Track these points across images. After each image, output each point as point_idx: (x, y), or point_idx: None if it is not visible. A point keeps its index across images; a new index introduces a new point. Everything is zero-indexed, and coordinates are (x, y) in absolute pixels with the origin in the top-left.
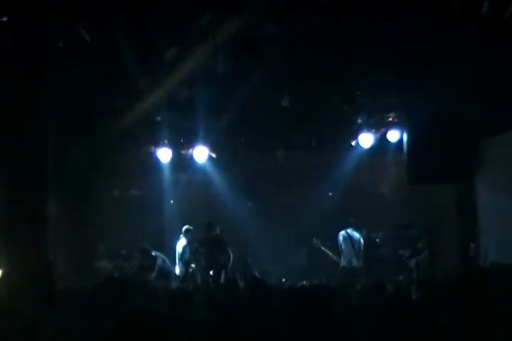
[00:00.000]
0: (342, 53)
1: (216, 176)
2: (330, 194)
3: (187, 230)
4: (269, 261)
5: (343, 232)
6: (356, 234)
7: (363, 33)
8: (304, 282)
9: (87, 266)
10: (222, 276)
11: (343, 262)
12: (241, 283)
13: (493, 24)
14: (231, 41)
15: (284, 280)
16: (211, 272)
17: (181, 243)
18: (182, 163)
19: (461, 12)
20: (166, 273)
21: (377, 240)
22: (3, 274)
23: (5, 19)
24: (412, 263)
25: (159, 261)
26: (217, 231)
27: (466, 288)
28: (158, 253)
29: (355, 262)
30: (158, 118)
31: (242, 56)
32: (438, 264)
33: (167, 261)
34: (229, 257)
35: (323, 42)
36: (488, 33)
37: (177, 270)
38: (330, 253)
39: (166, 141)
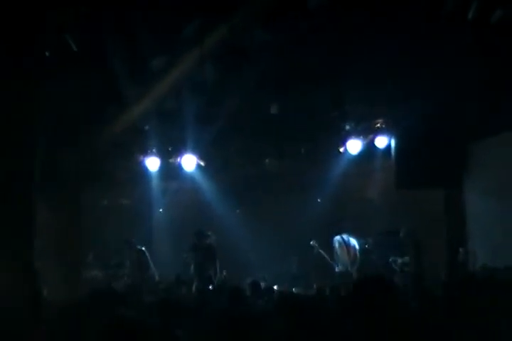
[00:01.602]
0: (330, 60)
1: (205, 184)
2: (319, 200)
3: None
4: (258, 268)
5: (338, 238)
6: (352, 240)
7: (351, 41)
8: (294, 289)
9: (76, 276)
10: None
11: (338, 267)
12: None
13: (483, 28)
14: (219, 49)
15: (275, 287)
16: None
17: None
18: (170, 171)
19: (450, 15)
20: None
21: (367, 246)
22: None
23: None
24: (401, 268)
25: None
26: (208, 240)
27: (456, 293)
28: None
29: (349, 267)
30: (146, 127)
31: (230, 64)
32: (427, 269)
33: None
34: (215, 267)
35: (312, 50)
36: (477, 38)
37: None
38: (327, 257)
39: (154, 150)
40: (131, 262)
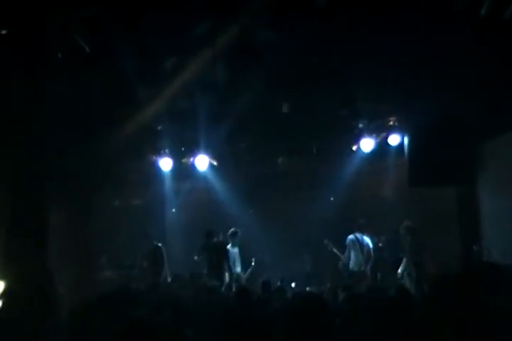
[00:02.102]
0: (341, 58)
1: (217, 184)
2: (332, 199)
3: (234, 233)
4: (272, 267)
5: (351, 236)
6: (365, 238)
7: (362, 37)
8: (308, 288)
9: (90, 277)
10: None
11: (351, 266)
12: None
13: (493, 25)
14: (230, 49)
15: (293, 285)
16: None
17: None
18: (183, 171)
19: (460, 13)
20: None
21: (380, 244)
22: (5, 286)
23: (4, 32)
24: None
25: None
26: (219, 238)
27: (466, 289)
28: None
29: (363, 266)
30: (159, 128)
31: (241, 63)
32: (440, 267)
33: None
34: (228, 265)
35: (322, 48)
36: (488, 35)
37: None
38: (341, 256)
39: (166, 150)
40: (146, 256)
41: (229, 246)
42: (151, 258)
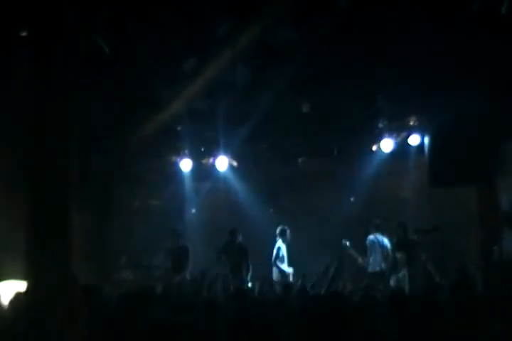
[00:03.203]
0: (361, 58)
1: (237, 184)
2: (352, 199)
3: (282, 231)
4: (293, 267)
5: (371, 237)
6: (385, 239)
7: (383, 37)
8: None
9: (110, 277)
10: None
11: (370, 267)
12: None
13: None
14: (250, 49)
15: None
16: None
17: (277, 244)
18: (203, 172)
19: (480, 12)
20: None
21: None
22: (27, 286)
23: (25, 34)
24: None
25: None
26: (240, 238)
27: (490, 289)
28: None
29: (383, 267)
30: (179, 128)
31: (261, 64)
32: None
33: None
34: (248, 266)
35: (343, 48)
36: (507, 35)
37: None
38: (358, 257)
39: (186, 151)
40: (172, 255)
41: (280, 244)
42: (176, 257)
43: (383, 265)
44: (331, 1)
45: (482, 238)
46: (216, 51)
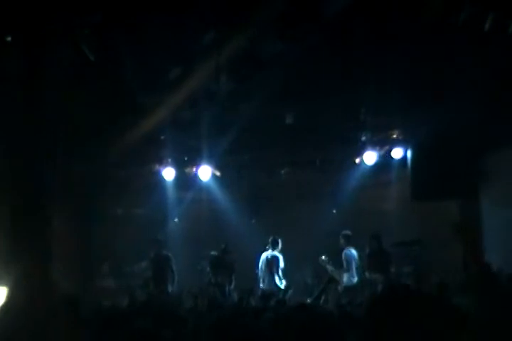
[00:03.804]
0: (346, 70)
1: (220, 194)
2: (334, 211)
3: (274, 241)
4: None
5: (347, 251)
6: (354, 252)
7: (367, 51)
8: (308, 300)
9: (91, 285)
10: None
11: (346, 280)
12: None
13: (496, 39)
14: (234, 59)
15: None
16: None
17: (269, 254)
18: (186, 181)
19: (464, 26)
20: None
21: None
22: (8, 293)
23: (9, 39)
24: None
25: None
26: (229, 256)
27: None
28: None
29: (355, 280)
30: (162, 137)
31: (245, 74)
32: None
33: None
34: (232, 278)
35: (327, 59)
36: (491, 49)
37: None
38: (332, 272)
39: (169, 160)
40: (153, 264)
41: (274, 253)
42: (158, 267)
43: (357, 278)
44: (315, 13)
45: (463, 251)
46: (201, 61)
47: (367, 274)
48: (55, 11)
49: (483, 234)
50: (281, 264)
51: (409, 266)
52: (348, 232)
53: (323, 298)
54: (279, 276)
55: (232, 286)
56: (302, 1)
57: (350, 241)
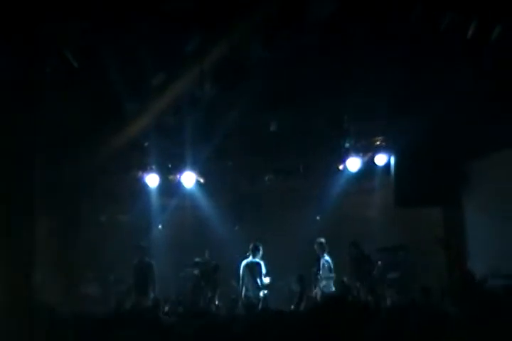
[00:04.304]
0: (329, 77)
1: (203, 201)
2: (318, 218)
3: (256, 247)
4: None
5: (322, 260)
6: (328, 259)
7: (350, 57)
8: (292, 307)
9: (75, 291)
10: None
11: (326, 289)
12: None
13: (482, 45)
14: (218, 66)
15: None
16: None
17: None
18: (170, 188)
19: (449, 33)
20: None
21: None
22: None
23: None
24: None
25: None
26: (206, 255)
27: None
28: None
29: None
30: (146, 144)
31: (229, 80)
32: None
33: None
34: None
35: (310, 66)
36: (474, 57)
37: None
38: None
39: (153, 166)
40: (135, 271)
41: (255, 260)
42: (141, 274)
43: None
44: (299, 20)
45: (447, 258)
46: (185, 67)
47: (346, 281)
48: (40, 19)
49: (467, 240)
50: (263, 271)
51: (393, 272)
52: (321, 240)
53: (303, 304)
54: (262, 283)
55: (217, 293)
56: (286, 8)
57: (324, 249)
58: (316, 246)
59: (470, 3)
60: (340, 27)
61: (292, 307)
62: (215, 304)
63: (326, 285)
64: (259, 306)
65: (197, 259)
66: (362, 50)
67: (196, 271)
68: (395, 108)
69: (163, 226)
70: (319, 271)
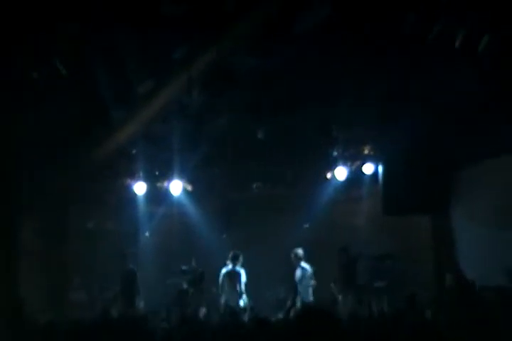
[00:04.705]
0: (318, 86)
1: (191, 209)
2: (306, 226)
3: (235, 256)
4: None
5: (298, 270)
6: (307, 268)
7: (339, 66)
8: (280, 315)
9: (62, 299)
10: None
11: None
12: None
13: (468, 56)
14: (206, 73)
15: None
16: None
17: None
18: (157, 195)
19: (438, 42)
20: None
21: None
22: None
23: None
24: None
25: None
26: (193, 263)
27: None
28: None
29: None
30: (133, 151)
31: (218, 88)
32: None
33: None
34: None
35: (299, 75)
36: (463, 66)
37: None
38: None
39: (140, 174)
40: (121, 279)
41: (235, 268)
42: (126, 282)
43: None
44: (288, 29)
45: (435, 265)
46: (173, 75)
47: (333, 287)
48: (28, 27)
49: (456, 248)
50: (244, 279)
51: (381, 280)
52: (298, 250)
53: (292, 312)
54: (241, 292)
55: (203, 301)
56: (274, 16)
57: (301, 258)
58: (292, 257)
59: (458, 13)
60: (330, 36)
61: (280, 315)
62: (201, 311)
63: (305, 292)
64: (245, 315)
65: (184, 267)
66: (350, 59)
67: (183, 279)
68: (383, 117)
69: (150, 234)
70: (297, 280)
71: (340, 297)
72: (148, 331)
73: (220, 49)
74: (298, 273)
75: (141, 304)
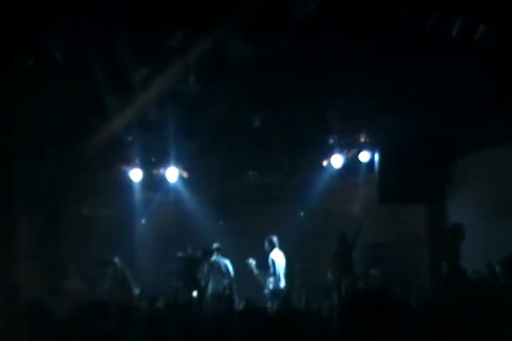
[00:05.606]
0: (314, 74)
1: (187, 196)
2: (301, 214)
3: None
4: (241, 281)
5: (271, 256)
6: (279, 256)
7: (335, 54)
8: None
9: (58, 286)
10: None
11: (272, 285)
12: None
13: (464, 47)
14: (203, 61)
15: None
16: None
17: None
18: (153, 182)
19: (431, 34)
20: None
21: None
22: None
23: None
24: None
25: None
26: (189, 250)
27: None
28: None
29: (281, 284)
30: (129, 138)
31: (213, 76)
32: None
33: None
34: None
35: (295, 63)
36: (459, 56)
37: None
38: (257, 276)
39: (136, 161)
40: (112, 281)
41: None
42: (116, 282)
43: (284, 282)
44: (284, 17)
45: (431, 254)
46: (169, 62)
47: (329, 275)
48: (24, 12)
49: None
50: (230, 269)
51: (376, 268)
52: (272, 237)
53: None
54: (228, 281)
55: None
56: (271, 4)
57: (274, 245)
58: (266, 243)
59: (454, 2)
60: (325, 25)
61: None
62: (197, 298)
63: (275, 281)
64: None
65: (180, 254)
66: (348, 48)
67: (179, 266)
68: (379, 105)
69: (146, 221)
70: (269, 268)
71: (335, 284)
72: (144, 316)
73: (215, 37)
74: (271, 260)
75: (136, 291)
